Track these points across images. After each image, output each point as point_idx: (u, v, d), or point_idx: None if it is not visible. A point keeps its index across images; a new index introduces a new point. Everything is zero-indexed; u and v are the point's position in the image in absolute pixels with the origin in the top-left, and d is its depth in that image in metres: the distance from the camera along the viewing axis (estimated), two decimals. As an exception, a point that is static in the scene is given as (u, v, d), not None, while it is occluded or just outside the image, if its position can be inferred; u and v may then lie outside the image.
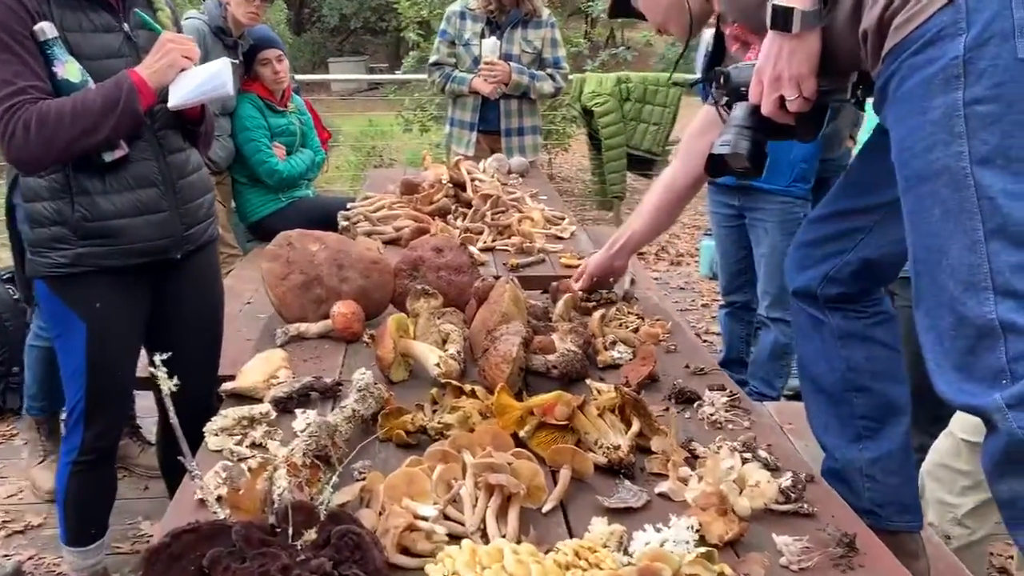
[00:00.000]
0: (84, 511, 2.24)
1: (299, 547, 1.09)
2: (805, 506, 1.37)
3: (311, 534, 1.11)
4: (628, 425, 1.59)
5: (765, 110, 1.51)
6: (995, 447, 1.22)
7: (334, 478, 1.24)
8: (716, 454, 1.45)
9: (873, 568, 1.24)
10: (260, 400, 1.75)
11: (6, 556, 2.67)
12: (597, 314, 2.14)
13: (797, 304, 1.79)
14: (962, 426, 2.01)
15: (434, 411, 1.67)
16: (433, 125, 8.60)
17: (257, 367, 1.88)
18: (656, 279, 5.58)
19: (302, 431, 1.49)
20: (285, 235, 2.24)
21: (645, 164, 6.89)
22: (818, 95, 1.48)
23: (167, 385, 1.21)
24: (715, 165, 1.64)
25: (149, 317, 2.19)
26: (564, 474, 1.43)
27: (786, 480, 1.40)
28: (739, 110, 1.59)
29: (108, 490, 2.29)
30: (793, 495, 1.37)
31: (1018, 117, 1.19)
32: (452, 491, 1.34)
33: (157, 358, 1.22)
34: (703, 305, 5.29)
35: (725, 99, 1.64)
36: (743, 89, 1.56)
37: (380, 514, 1.30)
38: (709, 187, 3.58)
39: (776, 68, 1.44)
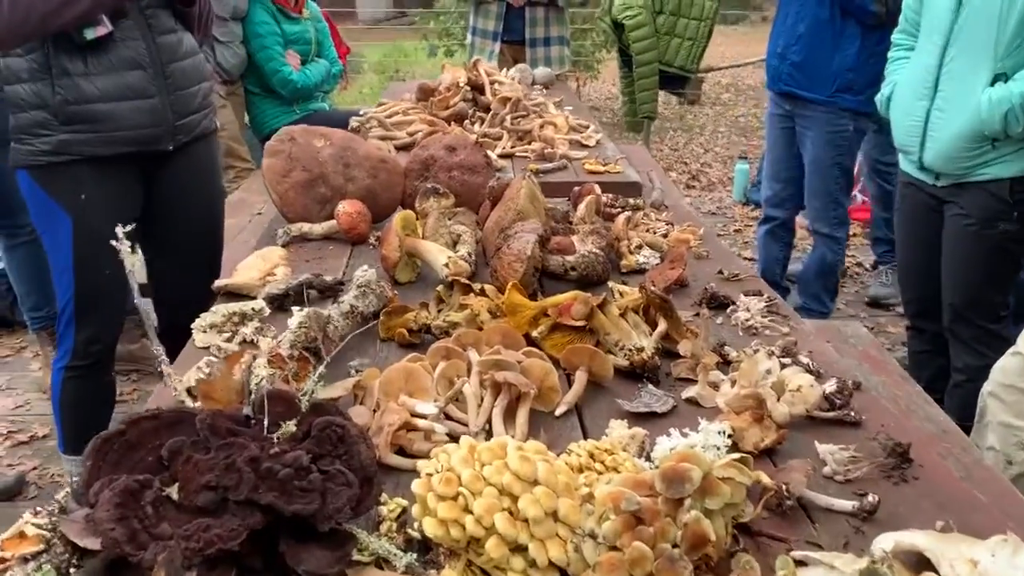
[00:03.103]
0: (81, 418, 2.15)
1: (275, 439, 0.96)
2: (852, 413, 1.21)
3: (290, 426, 0.97)
4: (653, 327, 1.44)
5: None
6: None
7: (321, 368, 1.11)
8: (752, 357, 1.29)
9: (929, 480, 1.09)
10: (254, 298, 1.62)
11: (10, 467, 2.61)
12: (622, 216, 1.97)
13: None
14: None
15: (439, 310, 1.53)
16: (459, 49, 8.32)
17: (253, 264, 1.75)
18: (688, 203, 5.37)
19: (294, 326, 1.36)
20: (287, 130, 2.09)
21: (677, 82, 6.55)
22: None
23: (131, 260, 1.07)
24: None
25: (142, 214, 2.05)
26: (580, 376, 1.29)
27: (831, 386, 1.24)
28: None
29: (106, 397, 2.19)
30: (839, 401, 1.22)
31: None
32: (454, 388, 1.20)
33: (119, 230, 1.08)
34: (736, 230, 5.07)
35: None
36: None
37: (375, 412, 1.17)
38: (768, 89, 3.41)
39: None
